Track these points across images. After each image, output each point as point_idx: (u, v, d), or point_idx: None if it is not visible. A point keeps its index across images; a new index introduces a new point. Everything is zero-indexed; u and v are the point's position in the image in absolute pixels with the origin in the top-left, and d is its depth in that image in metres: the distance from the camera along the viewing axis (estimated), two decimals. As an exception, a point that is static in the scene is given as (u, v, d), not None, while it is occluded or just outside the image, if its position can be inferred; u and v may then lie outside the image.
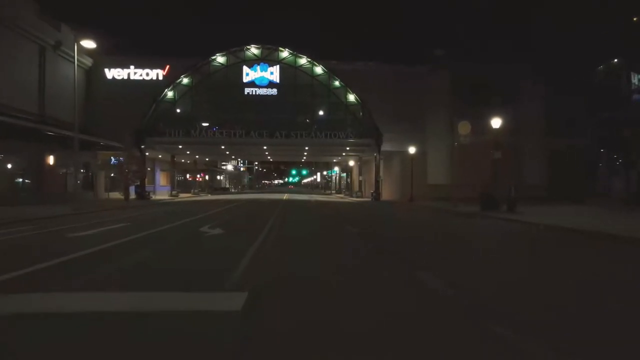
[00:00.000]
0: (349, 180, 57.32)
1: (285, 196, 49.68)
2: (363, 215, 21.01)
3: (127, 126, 33.11)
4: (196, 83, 37.21)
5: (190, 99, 37.42)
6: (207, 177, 67.32)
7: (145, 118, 35.43)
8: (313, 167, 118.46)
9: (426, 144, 36.48)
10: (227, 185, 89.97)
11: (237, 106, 37.60)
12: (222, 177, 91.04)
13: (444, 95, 36.55)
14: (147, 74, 36.50)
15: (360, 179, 45.54)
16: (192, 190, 53.63)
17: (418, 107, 36.51)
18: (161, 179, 56.33)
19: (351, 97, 37.59)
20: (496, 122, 18.81)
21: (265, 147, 40.87)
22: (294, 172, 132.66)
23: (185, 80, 37.00)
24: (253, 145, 39.76)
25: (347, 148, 40.82)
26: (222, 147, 40.15)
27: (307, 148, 41.16)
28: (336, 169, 65.00)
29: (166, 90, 36.31)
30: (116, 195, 34.47)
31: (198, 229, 11.85)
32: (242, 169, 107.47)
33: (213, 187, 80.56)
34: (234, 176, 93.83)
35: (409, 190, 34.42)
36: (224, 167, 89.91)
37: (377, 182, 38.10)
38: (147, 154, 40.76)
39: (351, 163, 47.69)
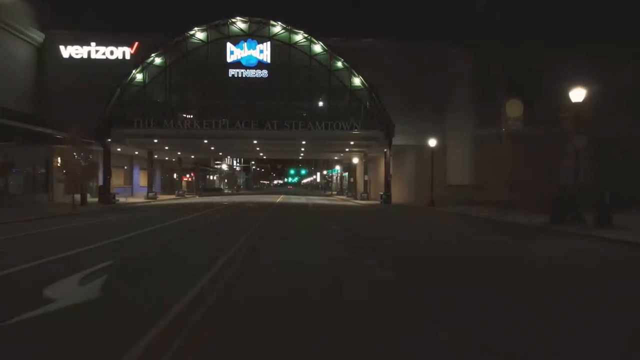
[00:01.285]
0: (352, 180, 51.21)
1: (279, 198, 43.68)
2: (382, 231, 14.99)
3: (89, 115, 27.09)
4: (170, 63, 31.02)
5: (164, 82, 31.24)
6: (195, 177, 61.22)
7: (109, 105, 29.34)
8: (312, 167, 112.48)
9: (446, 136, 30.38)
10: (221, 186, 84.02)
11: (219, 91, 31.50)
12: (215, 177, 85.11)
13: (468, 78, 30.49)
14: (112, 53, 30.37)
15: (365, 178, 39.57)
16: (177, 192, 47.58)
17: (436, 93, 30.37)
18: (141, 178, 50.33)
19: (356, 81, 31.47)
20: (577, 94, 12.67)
21: (255, 142, 34.78)
22: (292, 171, 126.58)
23: (157, 60, 30.83)
24: (240, 139, 33.65)
25: (351, 142, 34.75)
26: (205, 141, 34.10)
27: (304, 142, 35.11)
28: (337, 167, 58.92)
29: (134, 71, 30.15)
30: (89, 197, 28.37)
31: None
32: (237, 168, 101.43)
33: (205, 187, 74.69)
34: (227, 176, 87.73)
35: (424, 192, 28.44)
36: (217, 167, 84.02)
37: (387, 182, 32.04)
38: (118, 149, 34.83)
39: (355, 160, 41.62)
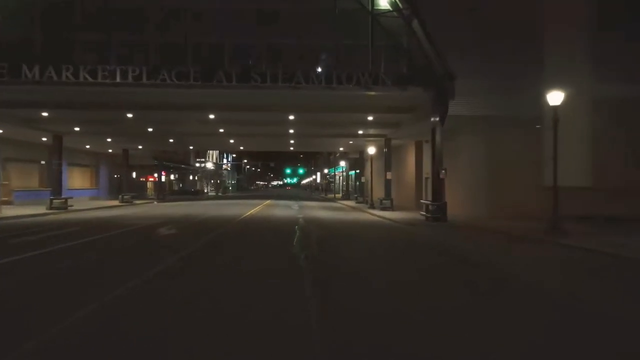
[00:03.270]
0: (362, 179, 37.40)
1: (259, 206, 30.05)
2: None
3: None
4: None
5: None
6: (159, 178, 47.39)
7: None
8: (312, 167, 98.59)
9: (540, 103, 16.57)
10: (204, 188, 70.36)
11: (150, 20, 17.81)
12: (196, 178, 71.43)
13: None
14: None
15: (388, 176, 25.99)
16: (121, 196, 33.92)
17: (524, 26, 16.61)
18: (76, 177, 36.67)
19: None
20: None
21: (211, 116, 21.00)
22: (288, 171, 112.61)
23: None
24: (190, 110, 19.98)
25: (370, 117, 21.04)
26: (129, 115, 20.44)
27: (291, 118, 21.37)
28: (343, 163, 45.12)
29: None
30: None
31: None
32: (226, 166, 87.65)
33: (182, 190, 61.07)
34: (211, 176, 73.96)
35: (505, 199, 15.22)
36: (200, 165, 70.36)
37: (437, 179, 18.18)
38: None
39: (371, 150, 27.84)
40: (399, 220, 19.12)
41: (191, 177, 68.76)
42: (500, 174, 17.41)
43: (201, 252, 10.10)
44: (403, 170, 28.62)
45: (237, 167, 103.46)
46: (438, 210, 17.39)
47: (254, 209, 27.41)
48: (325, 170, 66.27)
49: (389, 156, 26.45)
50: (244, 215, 21.27)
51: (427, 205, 18.20)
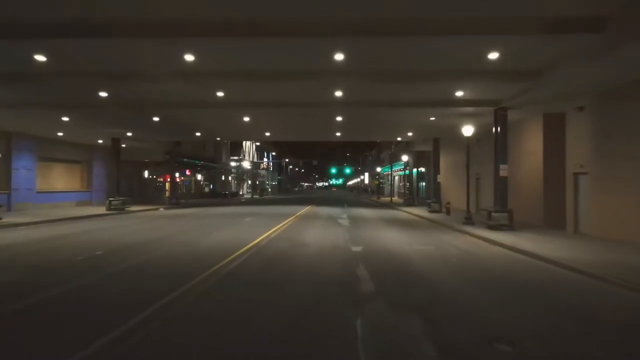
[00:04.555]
0: (437, 179, 26.65)
1: (300, 212, 20.35)
2: None
3: None
4: None
5: None
6: (171, 177, 38.57)
7: None
8: (359, 167, 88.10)
9: None
10: (239, 190, 61.81)
11: None
12: (230, 178, 62.98)
13: None
14: None
15: (501, 173, 15.39)
16: (109, 202, 25.23)
17: None
18: (58, 177, 28.36)
19: None
20: None
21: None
22: (333, 170, 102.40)
23: None
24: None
25: (492, 55, 10.55)
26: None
27: (340, 57, 11.23)
28: (405, 158, 34.39)
29: None
30: None
31: None
32: (263, 166, 78.80)
33: (213, 191, 52.51)
34: (249, 176, 65.02)
35: None
36: (235, 164, 61.95)
37: None
38: None
39: (467, 131, 16.86)
40: (594, 267, 8.50)
41: (223, 178, 60.17)
42: None
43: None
44: (517, 163, 17.80)
45: (278, 167, 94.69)
46: None
47: (282, 223, 17.52)
48: (378, 169, 55.64)
49: (502, 139, 15.74)
50: (250, 245, 11.37)
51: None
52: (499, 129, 15.73)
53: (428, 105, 15.69)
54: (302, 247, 11.29)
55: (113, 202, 25.23)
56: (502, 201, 15.39)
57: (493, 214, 15.32)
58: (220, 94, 14.55)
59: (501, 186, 15.55)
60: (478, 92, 14.15)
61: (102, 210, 24.80)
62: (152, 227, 16.52)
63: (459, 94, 14.21)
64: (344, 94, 14.46)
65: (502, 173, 15.53)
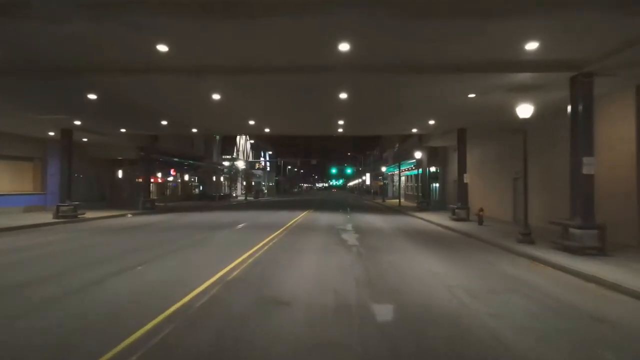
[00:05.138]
0: (463, 179, 21.44)
1: (295, 219, 15.56)
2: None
3: None
4: None
5: None
6: (144, 175, 33.42)
7: None
8: (360, 167, 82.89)
9: None
10: (231, 191, 56.82)
11: None
12: (222, 179, 58.02)
13: None
14: None
15: (586, 170, 10.52)
16: (57, 209, 20.15)
17: None
18: (0, 177, 23.37)
19: None
20: None
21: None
22: (334, 170, 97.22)
23: None
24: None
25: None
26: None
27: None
28: (418, 155, 29.35)
29: None
30: None
31: None
32: (260, 165, 73.68)
33: (203, 193, 47.48)
34: (237, 176, 59.82)
35: None
36: (226, 162, 56.96)
37: None
38: None
39: (524, 111, 12.07)
40: None
41: (215, 178, 55.08)
42: None
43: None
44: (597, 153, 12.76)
45: (276, 167, 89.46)
46: None
47: (262, 242, 12.42)
48: (383, 169, 50.58)
49: (585, 119, 10.71)
50: (173, 309, 5.97)
51: None
52: (579, 105, 10.70)
53: (477, 70, 10.61)
54: (277, 313, 5.96)
55: (62, 209, 20.21)
56: (587, 212, 10.37)
57: (573, 231, 10.30)
58: (163, 48, 9.46)
59: (585, 189, 10.53)
60: (557, 45, 9.11)
61: (49, 217, 19.78)
62: (63, 251, 11.25)
63: (531, 46, 9.13)
64: (353, 47, 9.39)
65: (587, 170, 10.49)
